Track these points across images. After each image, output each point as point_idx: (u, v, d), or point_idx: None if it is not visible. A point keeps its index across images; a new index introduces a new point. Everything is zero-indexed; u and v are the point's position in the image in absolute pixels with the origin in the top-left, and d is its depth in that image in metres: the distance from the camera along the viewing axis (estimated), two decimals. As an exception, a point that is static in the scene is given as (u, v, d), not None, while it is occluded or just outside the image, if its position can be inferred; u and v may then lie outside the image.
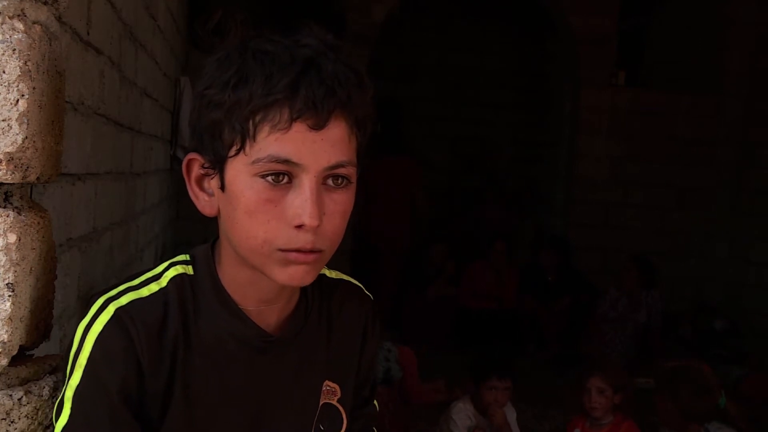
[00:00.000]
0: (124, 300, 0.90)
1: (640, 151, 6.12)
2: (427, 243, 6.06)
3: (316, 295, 1.03)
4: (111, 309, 0.88)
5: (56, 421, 0.87)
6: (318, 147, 0.85)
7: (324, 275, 1.07)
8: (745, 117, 6.10)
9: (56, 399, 0.90)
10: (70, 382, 0.87)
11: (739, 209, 6.11)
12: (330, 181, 0.88)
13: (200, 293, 0.95)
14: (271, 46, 0.86)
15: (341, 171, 0.88)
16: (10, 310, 0.88)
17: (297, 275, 0.89)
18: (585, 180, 6.18)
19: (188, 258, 0.98)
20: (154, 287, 0.93)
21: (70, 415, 0.85)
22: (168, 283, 0.94)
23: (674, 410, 3.02)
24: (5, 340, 0.88)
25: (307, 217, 0.85)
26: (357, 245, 5.55)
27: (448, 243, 6.11)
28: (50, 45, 0.96)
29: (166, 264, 0.97)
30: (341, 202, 0.89)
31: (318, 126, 0.84)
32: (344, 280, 1.10)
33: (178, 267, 0.96)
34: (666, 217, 6.19)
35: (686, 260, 6.19)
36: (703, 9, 6.26)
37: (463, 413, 3.32)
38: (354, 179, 0.91)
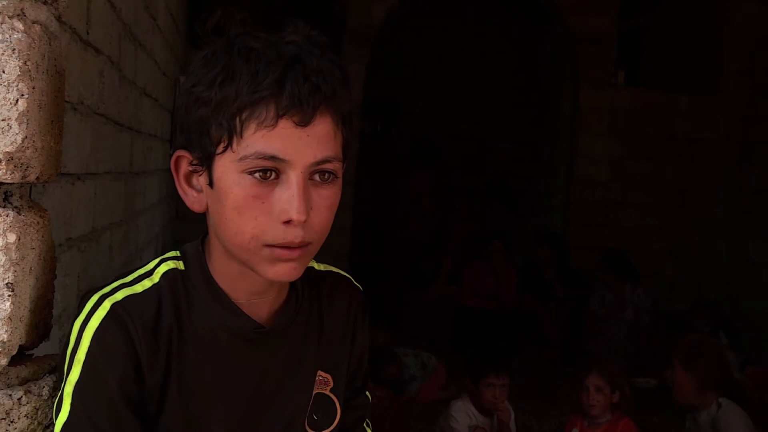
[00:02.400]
0: (119, 296, 0.90)
1: (640, 151, 6.12)
2: (432, 250, 6.19)
3: (305, 287, 1.05)
4: (107, 305, 0.89)
5: (56, 417, 0.87)
6: (304, 143, 0.86)
7: (312, 267, 1.08)
8: (745, 117, 6.10)
9: (56, 398, 0.90)
10: (69, 377, 0.87)
11: (739, 209, 6.11)
12: (317, 177, 0.89)
13: (192, 287, 0.96)
14: (256, 44, 0.87)
15: (327, 166, 0.89)
16: (9, 309, 0.88)
17: (284, 271, 0.90)
18: (585, 180, 6.18)
19: (178, 254, 0.99)
20: (147, 283, 0.94)
21: (71, 411, 0.86)
22: (160, 278, 0.95)
23: (691, 381, 3.12)
24: (5, 340, 0.88)
25: (295, 212, 0.86)
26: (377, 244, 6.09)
27: (453, 247, 6.20)
28: (50, 45, 0.96)
29: (157, 260, 0.98)
30: (328, 197, 0.91)
31: (304, 122, 0.86)
32: (333, 271, 1.12)
33: (169, 263, 0.97)
34: (666, 216, 6.19)
35: (686, 260, 6.19)
36: (702, 9, 6.26)
37: (463, 411, 3.32)
38: (340, 174, 0.92)
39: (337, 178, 0.92)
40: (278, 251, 0.88)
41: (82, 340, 0.87)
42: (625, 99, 6.12)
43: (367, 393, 1.16)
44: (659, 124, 6.12)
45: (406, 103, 7.51)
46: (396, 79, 7.41)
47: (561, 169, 6.62)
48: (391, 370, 3.92)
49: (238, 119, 0.85)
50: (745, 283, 5.99)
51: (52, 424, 0.90)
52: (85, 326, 0.88)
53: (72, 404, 0.86)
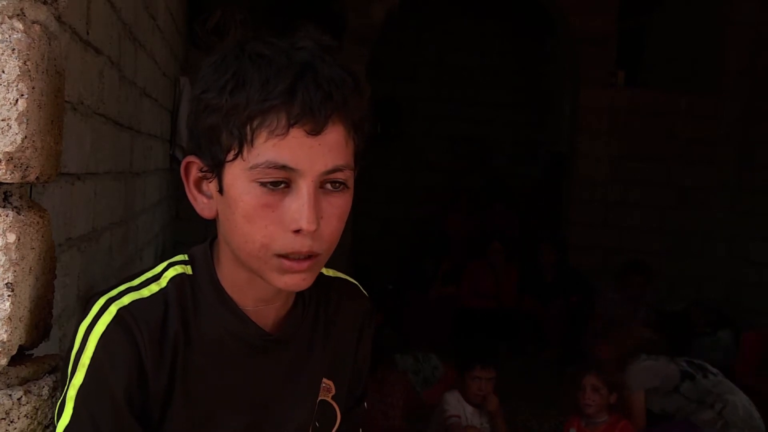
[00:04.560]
0: (126, 300, 0.90)
1: (639, 151, 6.12)
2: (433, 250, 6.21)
3: (313, 294, 1.04)
4: (113, 309, 0.88)
5: (58, 420, 0.87)
6: (315, 152, 0.85)
7: (321, 273, 1.07)
8: (744, 117, 6.10)
9: (55, 399, 0.90)
10: (72, 381, 0.86)
11: (739, 209, 6.11)
12: (328, 186, 0.89)
13: (200, 293, 0.95)
14: (267, 50, 0.86)
15: (338, 176, 0.88)
16: (9, 309, 0.88)
17: (294, 282, 0.90)
18: (585, 180, 6.18)
19: (186, 258, 0.99)
20: (154, 288, 0.93)
21: (73, 415, 0.85)
22: (168, 283, 0.94)
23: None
24: (4, 340, 0.88)
25: (305, 222, 0.85)
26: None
27: (453, 247, 6.19)
28: (50, 45, 0.96)
29: (165, 264, 0.97)
30: (338, 206, 0.90)
31: (315, 131, 0.85)
32: (341, 278, 1.11)
33: (177, 267, 0.97)
34: (666, 216, 6.19)
35: (686, 260, 6.19)
36: (702, 9, 6.26)
37: (454, 400, 3.39)
38: (351, 183, 0.92)
39: (347, 187, 0.91)
40: (287, 263, 0.87)
41: (87, 344, 0.87)
42: (625, 99, 6.12)
43: (364, 404, 1.16)
44: (659, 124, 6.11)
45: (406, 103, 7.51)
46: (396, 79, 7.41)
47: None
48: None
49: (249, 127, 0.84)
50: (745, 283, 5.99)
51: (52, 425, 0.90)
52: (90, 330, 0.87)
53: (75, 408, 0.85)
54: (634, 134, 6.11)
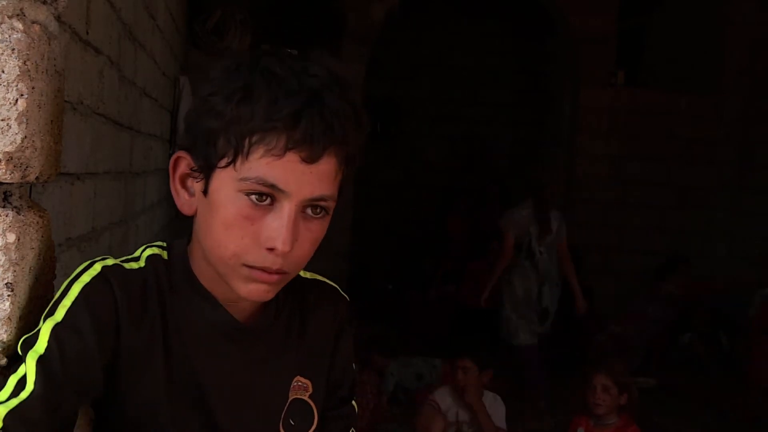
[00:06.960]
0: (110, 262, 0.93)
1: (639, 151, 6.12)
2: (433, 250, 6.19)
3: (288, 294, 1.04)
4: (98, 267, 0.91)
5: (25, 349, 0.85)
6: (305, 179, 0.88)
7: (299, 275, 1.07)
8: (745, 116, 6.10)
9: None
10: (51, 317, 0.86)
11: (739, 209, 6.11)
12: (309, 210, 0.91)
13: (174, 277, 0.98)
14: (280, 69, 0.87)
15: (321, 203, 0.91)
16: (9, 309, 0.88)
17: (257, 292, 0.92)
18: (585, 180, 6.18)
19: (164, 244, 1.01)
20: (134, 265, 0.96)
21: (47, 347, 0.84)
22: (146, 262, 0.97)
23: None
24: (4, 340, 0.88)
25: (280, 243, 0.87)
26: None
27: (454, 247, 6.19)
28: (49, 44, 0.96)
29: (143, 247, 1.00)
30: (314, 231, 0.92)
31: (310, 159, 0.87)
32: (319, 280, 1.12)
33: (154, 248, 0.99)
34: (666, 216, 6.20)
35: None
36: (702, 9, 6.26)
37: (444, 395, 3.41)
38: (331, 211, 0.94)
39: (327, 214, 0.93)
40: (256, 272, 0.90)
41: (70, 290, 0.89)
42: (625, 99, 6.13)
43: (354, 404, 1.15)
44: (659, 124, 6.12)
45: (406, 103, 7.51)
46: (396, 79, 7.41)
47: (561, 169, 6.62)
48: (378, 361, 4.00)
49: (247, 140, 0.86)
50: (745, 283, 5.99)
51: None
52: (75, 281, 0.90)
53: (49, 341, 0.85)
54: (634, 134, 6.11)
